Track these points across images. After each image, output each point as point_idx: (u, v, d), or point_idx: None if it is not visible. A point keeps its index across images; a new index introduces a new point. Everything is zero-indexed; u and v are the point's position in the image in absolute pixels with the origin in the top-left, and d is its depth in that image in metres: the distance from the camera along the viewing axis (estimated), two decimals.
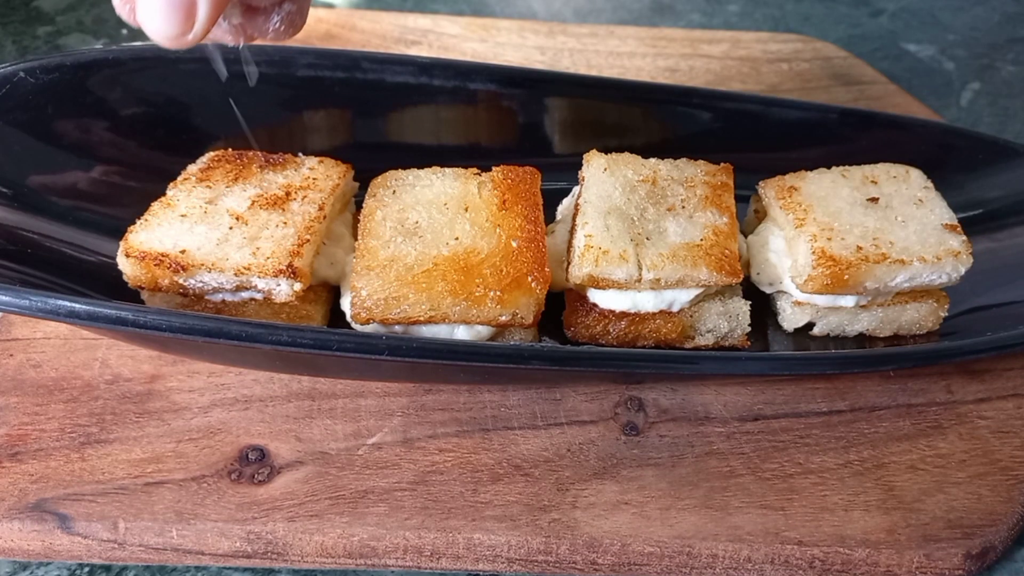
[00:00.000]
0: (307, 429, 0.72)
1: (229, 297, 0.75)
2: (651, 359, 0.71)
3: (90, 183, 0.84)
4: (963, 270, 0.78)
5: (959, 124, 1.21)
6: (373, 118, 0.93)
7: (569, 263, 0.77)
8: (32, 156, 0.81)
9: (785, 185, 0.84)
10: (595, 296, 0.78)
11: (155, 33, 0.51)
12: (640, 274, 0.74)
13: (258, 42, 0.63)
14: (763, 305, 0.85)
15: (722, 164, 0.84)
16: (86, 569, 0.67)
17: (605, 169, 0.82)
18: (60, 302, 0.60)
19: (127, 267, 0.72)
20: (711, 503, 0.69)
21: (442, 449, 0.72)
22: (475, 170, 0.82)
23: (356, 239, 0.77)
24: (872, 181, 0.84)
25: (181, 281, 0.72)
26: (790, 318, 0.83)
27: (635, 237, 0.76)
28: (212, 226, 0.74)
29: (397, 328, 0.73)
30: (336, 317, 0.79)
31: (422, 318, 0.71)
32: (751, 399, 0.78)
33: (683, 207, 0.80)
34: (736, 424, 0.75)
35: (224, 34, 0.60)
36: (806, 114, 0.97)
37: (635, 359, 0.71)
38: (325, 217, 0.77)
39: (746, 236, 0.87)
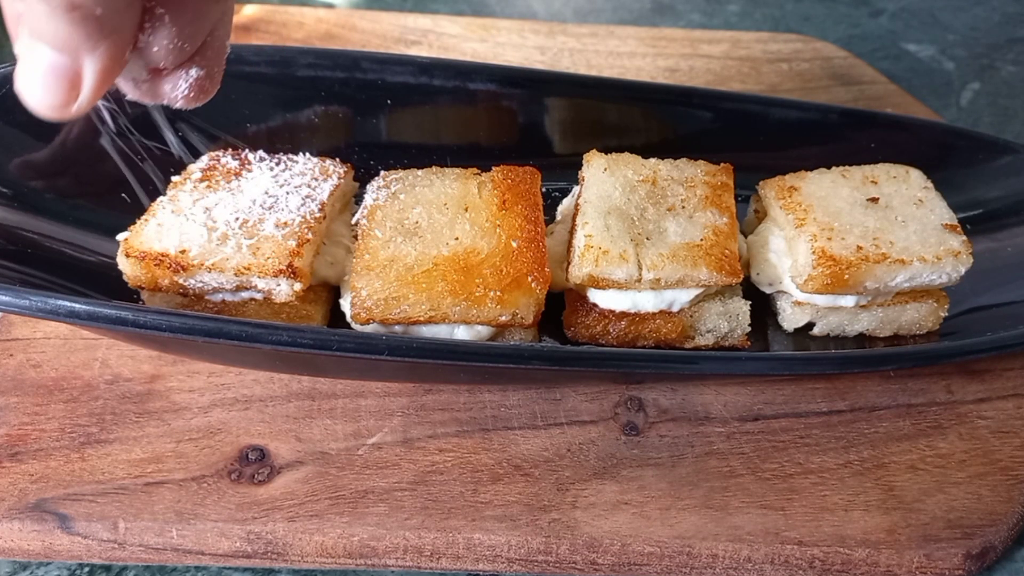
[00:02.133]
0: (307, 429, 0.72)
1: (229, 297, 0.75)
2: (651, 359, 0.71)
3: (90, 183, 0.84)
4: (963, 270, 0.78)
5: (959, 124, 1.21)
6: (373, 118, 0.93)
7: (569, 263, 0.77)
8: (32, 156, 0.81)
9: (785, 185, 0.84)
10: (595, 296, 0.78)
11: (35, 104, 0.46)
12: (640, 274, 0.74)
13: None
14: (763, 305, 0.85)
15: (722, 164, 0.84)
16: (86, 569, 0.67)
17: (605, 169, 0.82)
18: (60, 302, 0.60)
19: (127, 267, 0.72)
20: (711, 503, 0.69)
21: (442, 449, 0.72)
22: (475, 170, 0.82)
23: (356, 239, 0.77)
24: (872, 181, 0.84)
25: (181, 281, 0.72)
26: (790, 318, 0.83)
27: (635, 237, 0.76)
28: (212, 226, 0.74)
29: (397, 328, 0.73)
30: (336, 317, 0.80)
31: (422, 318, 0.71)
32: (751, 399, 0.78)
33: (683, 207, 0.80)
34: (736, 424, 0.75)
35: (130, 90, 0.55)
36: (806, 114, 0.97)
37: (635, 359, 0.71)
38: (325, 217, 0.77)
39: (746, 236, 0.87)
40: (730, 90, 1.15)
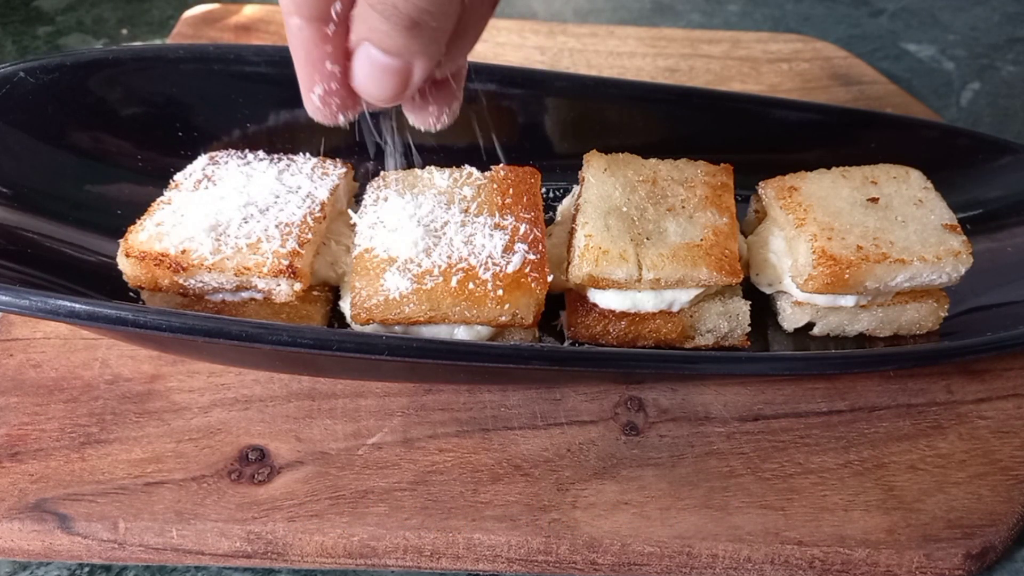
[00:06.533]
0: (307, 429, 0.72)
1: (229, 297, 0.75)
2: (651, 359, 0.71)
3: (90, 183, 0.84)
4: (963, 270, 0.78)
5: (959, 124, 1.21)
6: (373, 118, 0.93)
7: (569, 263, 0.77)
8: (32, 156, 0.81)
9: (785, 185, 0.84)
10: (595, 296, 0.78)
11: (372, 96, 0.55)
12: (640, 274, 0.74)
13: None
14: (763, 305, 0.85)
15: (722, 164, 0.84)
16: (86, 569, 0.67)
17: (605, 169, 0.82)
18: (60, 302, 0.60)
19: (127, 267, 0.72)
20: (711, 503, 0.69)
21: (442, 449, 0.72)
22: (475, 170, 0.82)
23: (356, 239, 0.77)
24: (872, 181, 0.84)
25: (181, 281, 0.72)
26: (790, 318, 0.83)
27: (635, 237, 0.76)
28: (212, 226, 0.74)
29: (397, 328, 0.73)
30: (336, 317, 0.79)
31: (422, 318, 0.71)
32: (751, 399, 0.78)
33: (683, 207, 0.80)
34: (736, 424, 0.75)
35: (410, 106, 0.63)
36: (806, 114, 0.97)
37: (635, 359, 0.71)
38: (325, 217, 0.77)
39: (746, 236, 0.87)
40: (730, 90, 1.15)
